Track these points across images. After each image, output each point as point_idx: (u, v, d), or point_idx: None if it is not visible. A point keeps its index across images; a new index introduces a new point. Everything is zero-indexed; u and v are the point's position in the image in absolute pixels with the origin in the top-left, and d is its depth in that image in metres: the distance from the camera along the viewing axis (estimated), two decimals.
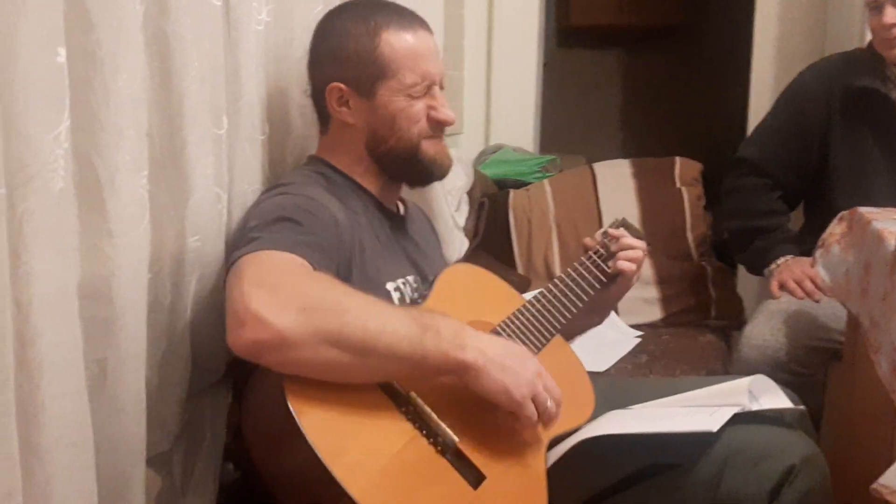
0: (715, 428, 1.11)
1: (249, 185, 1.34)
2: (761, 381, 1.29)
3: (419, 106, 1.34)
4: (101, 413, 1.03)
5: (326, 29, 1.39)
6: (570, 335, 1.64)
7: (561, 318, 1.37)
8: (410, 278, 1.35)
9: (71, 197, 0.93)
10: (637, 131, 5.39)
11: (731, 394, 1.25)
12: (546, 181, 2.78)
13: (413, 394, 1.10)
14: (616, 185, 2.70)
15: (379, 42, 1.32)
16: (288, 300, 0.99)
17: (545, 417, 1.12)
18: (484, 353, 1.08)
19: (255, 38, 1.35)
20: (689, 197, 2.63)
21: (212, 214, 1.20)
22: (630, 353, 2.23)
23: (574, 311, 1.40)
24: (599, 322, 1.59)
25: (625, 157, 2.94)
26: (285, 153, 1.47)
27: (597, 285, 1.47)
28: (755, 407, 1.25)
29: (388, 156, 1.36)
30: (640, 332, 2.38)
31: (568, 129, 5.50)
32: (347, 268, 1.22)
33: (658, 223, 2.58)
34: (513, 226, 2.69)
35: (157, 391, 1.17)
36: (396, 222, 1.43)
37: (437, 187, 1.93)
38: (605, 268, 1.49)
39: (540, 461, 1.17)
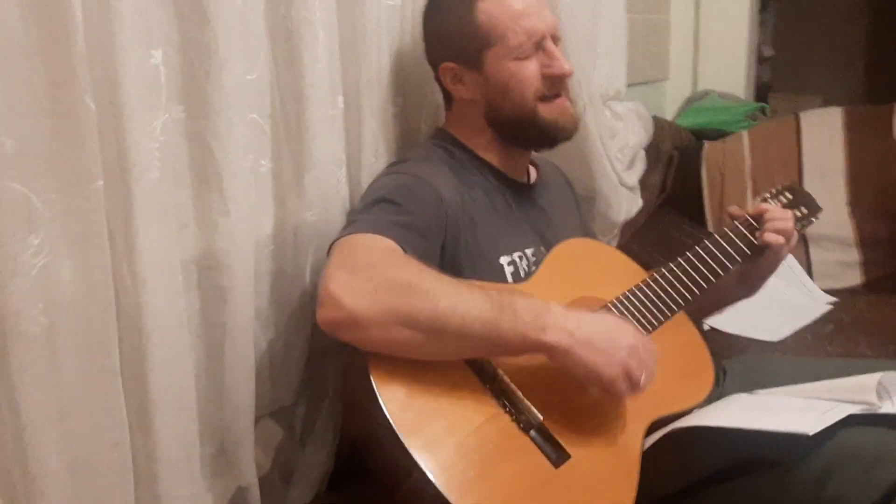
0: (812, 431, 1.03)
1: (377, 157, 1.40)
2: (893, 378, 1.17)
3: (531, 67, 1.31)
4: (223, 371, 1.15)
5: (430, 9, 1.41)
6: (718, 306, 1.59)
7: (687, 295, 1.33)
8: (529, 251, 1.35)
9: (170, 183, 1.03)
10: (887, 70, 4.86)
11: (859, 390, 1.15)
12: (745, 132, 2.63)
13: (500, 371, 1.12)
14: (823, 135, 2.50)
15: (476, 12, 1.31)
16: (365, 282, 1.04)
17: (635, 392, 1.10)
18: (570, 334, 1.07)
19: (387, 14, 1.40)
20: None
21: (326, 190, 1.28)
22: (817, 320, 2.08)
23: (706, 286, 1.35)
24: (749, 294, 1.51)
25: (870, 99, 2.71)
26: (420, 123, 1.51)
27: (738, 259, 1.41)
28: (888, 405, 1.14)
29: (507, 124, 1.35)
30: (834, 299, 2.21)
31: (806, 66, 5.11)
32: (455, 244, 1.25)
33: (865, 178, 2.39)
34: (705, 180, 2.58)
35: (282, 351, 1.28)
36: (523, 192, 1.42)
37: (596, 148, 1.90)
38: (752, 239, 1.42)
39: (635, 444, 1.15)
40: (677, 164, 2.59)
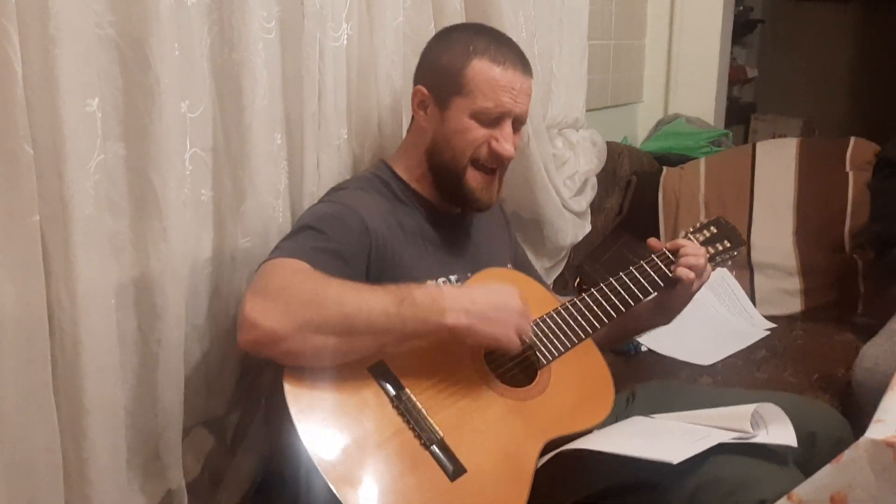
0: (676, 460, 1.14)
1: (318, 187, 1.51)
2: (770, 410, 1.28)
3: (481, 132, 1.41)
4: (157, 383, 1.27)
5: (438, 37, 1.52)
6: (636, 331, 1.69)
7: (596, 323, 1.43)
8: (454, 277, 1.46)
9: (107, 214, 1.15)
10: (870, 94, 4.95)
11: (735, 419, 1.26)
12: (702, 160, 2.72)
13: (408, 390, 1.24)
14: (776, 166, 2.59)
15: (468, 63, 1.41)
16: (275, 302, 1.15)
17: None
18: (467, 312, 1.21)
19: (332, 54, 1.51)
20: (856, 182, 2.47)
21: (263, 219, 1.39)
22: (751, 346, 2.18)
23: (616, 315, 1.45)
24: (666, 322, 1.62)
25: (852, 123, 2.80)
26: (363, 153, 1.63)
27: (650, 290, 1.51)
28: (762, 435, 1.24)
29: (439, 168, 1.45)
30: (772, 325, 2.31)
31: (789, 89, 5.20)
32: (381, 268, 1.36)
33: (812, 209, 2.47)
34: (661, 205, 2.67)
35: (217, 365, 1.40)
36: (453, 222, 1.53)
37: (541, 176, 2.01)
38: (667, 272, 1.52)
39: (530, 462, 1.26)
40: (636, 188, 2.68)
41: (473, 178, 1.44)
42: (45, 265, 1.08)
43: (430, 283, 1.40)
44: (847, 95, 5.10)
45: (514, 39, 1.52)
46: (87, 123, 1.08)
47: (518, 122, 1.46)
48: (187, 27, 1.26)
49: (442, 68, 1.43)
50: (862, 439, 0.91)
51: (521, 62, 1.45)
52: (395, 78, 1.63)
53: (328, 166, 1.54)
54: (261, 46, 1.36)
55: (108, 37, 1.15)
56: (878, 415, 0.96)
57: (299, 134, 1.46)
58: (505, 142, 1.43)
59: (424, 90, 1.45)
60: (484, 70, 1.40)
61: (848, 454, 0.92)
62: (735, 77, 4.50)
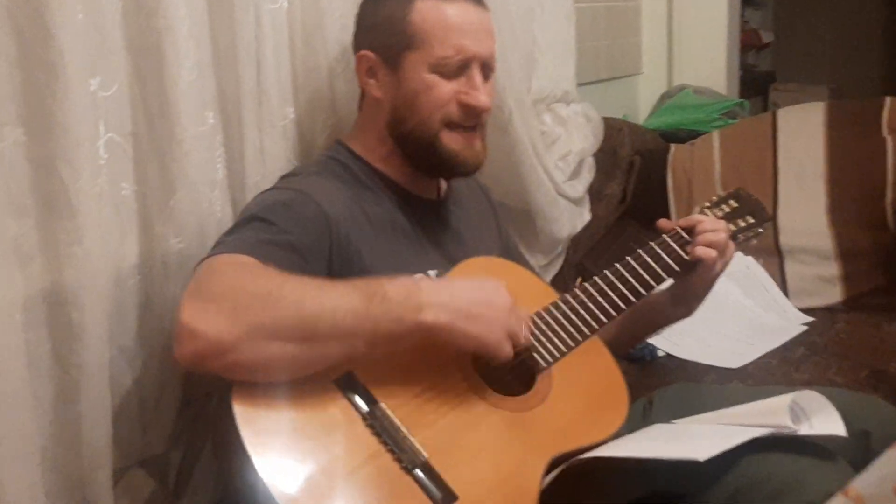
0: (703, 457, 1.11)
1: (264, 176, 1.48)
2: (811, 399, 1.26)
3: (448, 87, 1.38)
4: (80, 416, 1.23)
5: None
6: (652, 329, 1.66)
7: (603, 317, 1.39)
8: (432, 273, 1.42)
9: (7, 212, 1.11)
10: None
11: (771, 412, 1.23)
12: (716, 133, 2.71)
13: (382, 404, 1.20)
14: (801, 134, 2.58)
15: (411, 9, 1.38)
16: (219, 304, 1.10)
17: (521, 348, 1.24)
18: (447, 308, 1.17)
19: (269, 19, 1.48)
20: None
21: (197, 214, 1.35)
22: (787, 344, 2.16)
23: (625, 307, 1.42)
24: (687, 315, 1.58)
25: (886, 90, 2.78)
26: (315, 136, 1.60)
27: (664, 276, 1.47)
28: (805, 427, 1.22)
29: (407, 139, 1.42)
30: (809, 318, 2.30)
31: (812, 54, 5.23)
32: (345, 264, 1.32)
33: (848, 183, 2.47)
34: (670, 188, 2.65)
35: (154, 393, 1.35)
36: (429, 210, 1.50)
37: (528, 157, 1.98)
38: (682, 254, 1.48)
39: (532, 484, 1.22)
40: (639, 170, 2.66)
41: (450, 139, 1.41)
42: None
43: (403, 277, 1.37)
44: (877, 57, 5.13)
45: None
46: None
47: (487, 69, 1.42)
48: None
49: (384, 23, 1.40)
50: None
51: None
52: (347, 44, 1.59)
53: (274, 151, 1.51)
54: (184, 12, 1.33)
55: None
56: None
57: (236, 114, 1.43)
58: (476, 91, 1.39)
59: (370, 54, 1.42)
60: (432, 11, 1.37)
61: None
62: (748, 42, 4.52)
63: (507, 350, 1.22)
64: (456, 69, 1.39)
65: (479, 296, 1.22)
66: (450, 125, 1.40)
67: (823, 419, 1.23)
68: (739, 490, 1.16)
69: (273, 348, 1.11)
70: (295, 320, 1.11)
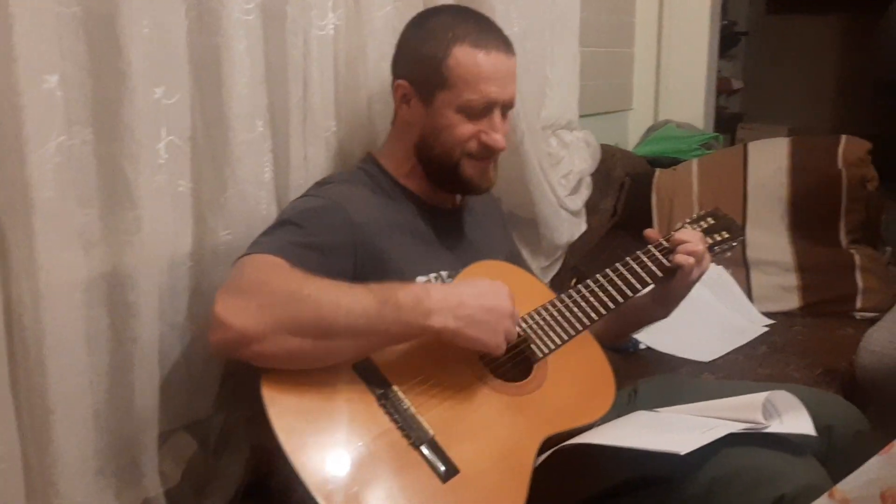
0: (684, 451, 0.99)
1: (307, 180, 1.38)
2: (784, 399, 1.14)
3: (468, 127, 1.28)
4: (132, 385, 1.13)
5: (415, 25, 1.36)
6: (636, 326, 1.55)
7: (593, 314, 1.29)
8: (445, 273, 1.32)
9: (72, 203, 1.01)
10: (854, 101, 4.85)
11: (745, 409, 1.11)
12: (695, 161, 2.58)
13: (395, 387, 1.10)
14: (768, 165, 2.44)
15: (449, 54, 1.27)
16: (249, 299, 1.02)
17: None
18: (454, 314, 1.07)
19: (317, 43, 1.38)
20: (849, 179, 2.33)
21: (245, 210, 1.25)
22: (751, 342, 2.04)
23: (613, 307, 1.32)
24: (665, 315, 1.47)
25: (833, 129, 2.67)
26: (354, 147, 1.49)
27: (648, 280, 1.37)
28: (776, 424, 1.10)
29: (431, 162, 1.32)
30: (771, 321, 2.17)
31: (775, 98, 5.11)
32: (369, 264, 1.22)
33: (807, 206, 2.33)
34: (654, 206, 2.53)
35: (201, 365, 1.25)
36: (445, 218, 1.39)
37: (536, 174, 1.87)
38: (664, 261, 1.38)
39: (527, 460, 1.11)
40: (629, 189, 2.54)
41: (469, 167, 1.31)
42: (3, 257, 0.94)
43: (419, 279, 1.27)
44: (830, 103, 5.00)
45: (506, 35, 1.37)
46: (45, 101, 0.95)
47: (506, 108, 1.32)
48: (161, 8, 1.12)
49: (423, 60, 1.29)
50: None
51: (503, 41, 1.31)
52: (385, 70, 1.49)
53: (316, 159, 1.41)
54: (242, 33, 1.23)
55: (72, 14, 1.02)
56: None
57: (284, 124, 1.33)
58: (495, 133, 1.30)
59: (406, 84, 1.32)
60: (467, 59, 1.26)
61: None
62: (721, 88, 4.39)
63: (503, 349, 1.13)
64: (480, 111, 1.29)
65: (484, 302, 1.11)
66: (468, 156, 1.31)
67: (794, 418, 1.11)
68: (716, 480, 1.04)
69: (293, 342, 1.02)
70: (314, 319, 1.03)
